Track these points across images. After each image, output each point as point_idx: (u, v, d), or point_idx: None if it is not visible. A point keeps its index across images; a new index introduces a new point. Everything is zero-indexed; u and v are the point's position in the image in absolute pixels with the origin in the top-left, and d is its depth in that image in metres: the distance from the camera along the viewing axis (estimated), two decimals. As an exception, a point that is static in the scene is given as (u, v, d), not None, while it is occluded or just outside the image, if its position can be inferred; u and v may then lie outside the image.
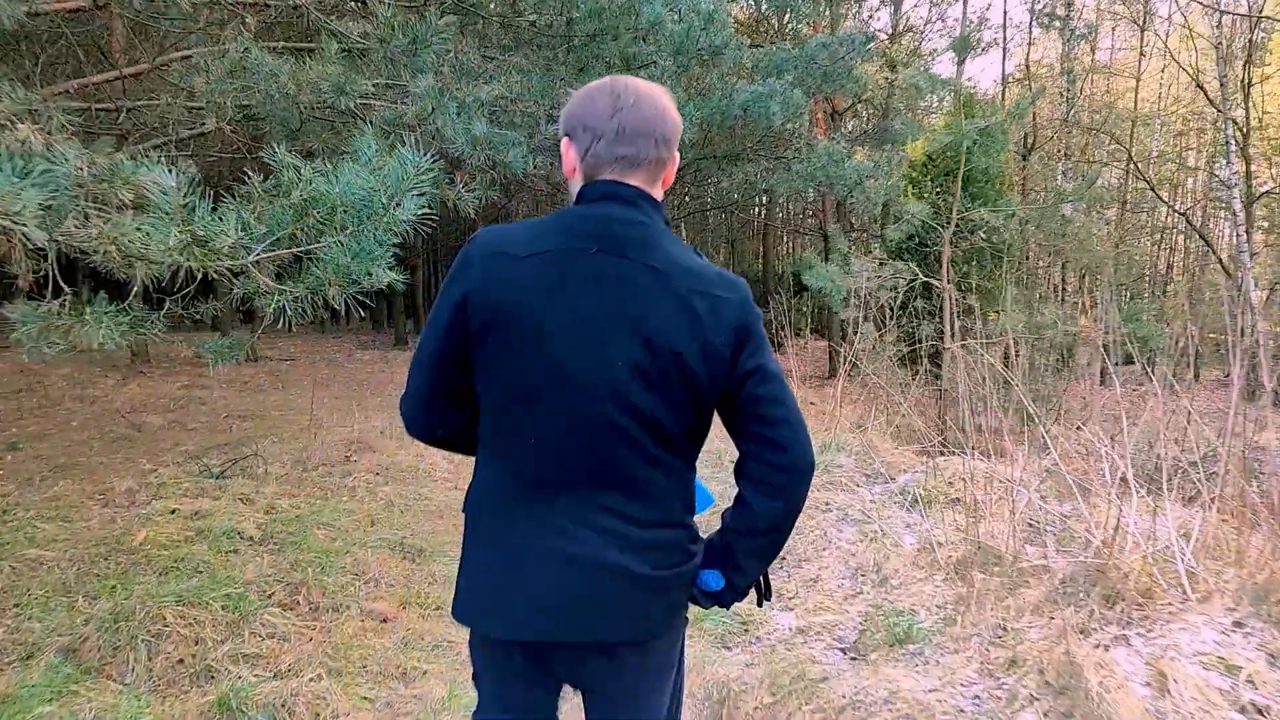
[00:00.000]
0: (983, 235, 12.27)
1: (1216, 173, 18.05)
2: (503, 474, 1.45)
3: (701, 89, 9.94)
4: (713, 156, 12.19)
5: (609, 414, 1.37)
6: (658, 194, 1.48)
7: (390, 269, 2.85)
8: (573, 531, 1.39)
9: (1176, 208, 17.55)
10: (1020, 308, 9.05)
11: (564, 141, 1.47)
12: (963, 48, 10.19)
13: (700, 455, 1.51)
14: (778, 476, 1.40)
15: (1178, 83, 21.59)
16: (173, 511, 5.45)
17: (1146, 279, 21.81)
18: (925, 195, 12.66)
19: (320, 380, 13.85)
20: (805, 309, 26.67)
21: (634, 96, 1.42)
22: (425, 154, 2.56)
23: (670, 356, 1.36)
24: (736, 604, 1.59)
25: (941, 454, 6.71)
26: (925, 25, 20.27)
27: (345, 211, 2.61)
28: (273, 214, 2.66)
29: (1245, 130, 14.97)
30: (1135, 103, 19.20)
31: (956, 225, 11.21)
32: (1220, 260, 16.73)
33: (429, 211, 2.57)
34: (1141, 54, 18.40)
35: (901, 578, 4.03)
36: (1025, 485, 5.03)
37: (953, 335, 7.59)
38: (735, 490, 1.46)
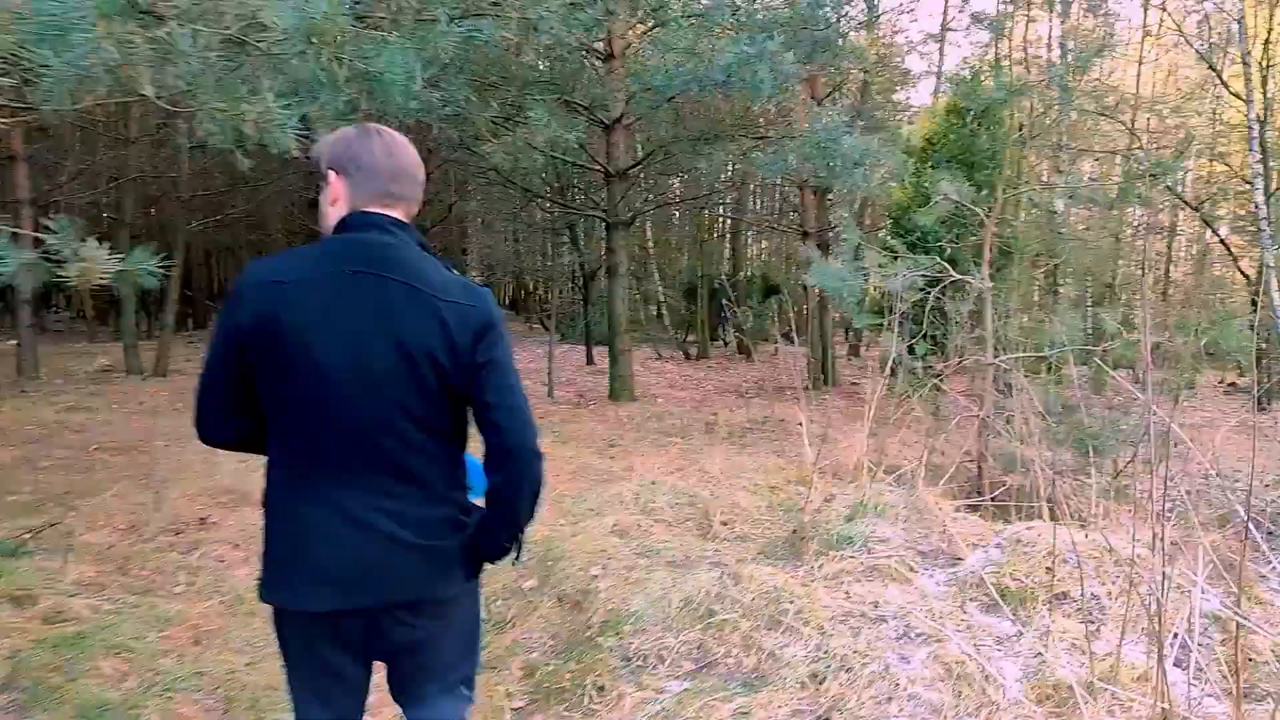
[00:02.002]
0: (992, 229, 10.80)
1: (1229, 165, 16.79)
2: (290, 470, 1.63)
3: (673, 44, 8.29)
4: (686, 138, 10.49)
5: (375, 412, 1.56)
6: (409, 220, 1.71)
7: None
8: (355, 513, 1.58)
9: (1192, 204, 16.24)
10: (1066, 312, 7.54)
11: (331, 175, 1.67)
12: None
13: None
14: (496, 455, 1.62)
15: (1178, 67, 20.38)
16: (-94, 621, 3.67)
17: (1142, 280, 20.57)
18: (924, 184, 11.15)
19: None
20: (770, 313, 25.02)
21: (398, 142, 1.69)
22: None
23: (425, 358, 1.56)
24: None
25: (996, 508, 5.13)
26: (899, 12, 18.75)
27: None
28: None
29: (1263, 119, 13.68)
30: (1137, 86, 17.92)
31: (968, 219, 9.70)
32: (1235, 260, 15.49)
33: None
34: (1146, 32, 17.15)
35: (1036, 770, 2.40)
36: (1165, 574, 3.45)
37: (995, 347, 6.04)
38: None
